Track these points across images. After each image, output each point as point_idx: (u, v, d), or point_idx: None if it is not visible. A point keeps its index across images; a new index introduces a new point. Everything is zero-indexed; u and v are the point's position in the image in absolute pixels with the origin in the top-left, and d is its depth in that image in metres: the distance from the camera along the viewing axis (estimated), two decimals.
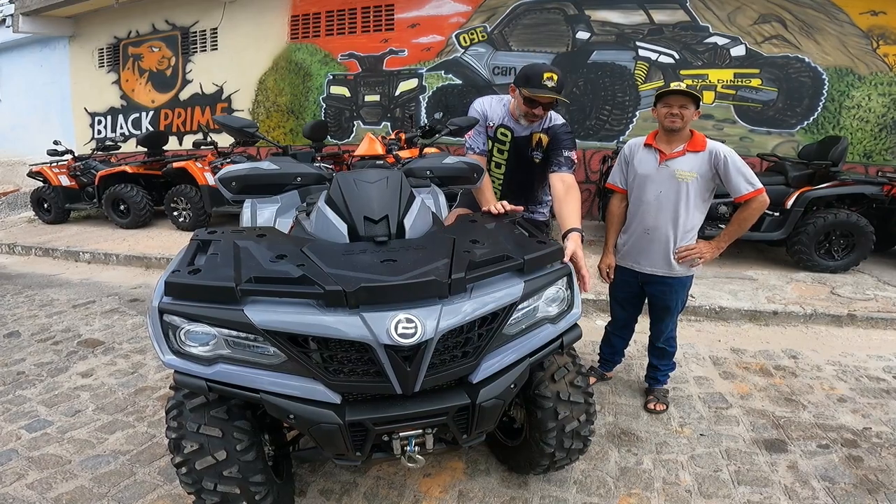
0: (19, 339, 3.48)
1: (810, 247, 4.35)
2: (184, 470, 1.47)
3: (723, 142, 2.36)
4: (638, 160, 2.34)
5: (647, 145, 2.33)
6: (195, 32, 7.62)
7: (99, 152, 7.50)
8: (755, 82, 5.66)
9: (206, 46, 7.59)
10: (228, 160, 6.44)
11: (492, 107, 2.42)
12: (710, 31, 5.69)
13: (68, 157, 7.32)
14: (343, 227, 1.64)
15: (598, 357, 2.82)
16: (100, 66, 8.47)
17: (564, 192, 2.18)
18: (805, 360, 3.04)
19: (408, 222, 1.68)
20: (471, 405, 1.42)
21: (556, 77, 2.10)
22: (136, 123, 8.43)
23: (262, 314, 1.30)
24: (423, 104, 6.71)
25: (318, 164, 2.04)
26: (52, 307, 4.13)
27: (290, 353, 1.32)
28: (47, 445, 2.29)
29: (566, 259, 1.76)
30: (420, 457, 1.48)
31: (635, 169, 2.34)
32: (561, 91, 2.14)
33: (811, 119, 5.60)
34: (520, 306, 1.48)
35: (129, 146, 7.79)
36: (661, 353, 2.55)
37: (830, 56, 5.47)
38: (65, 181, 7.24)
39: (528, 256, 1.50)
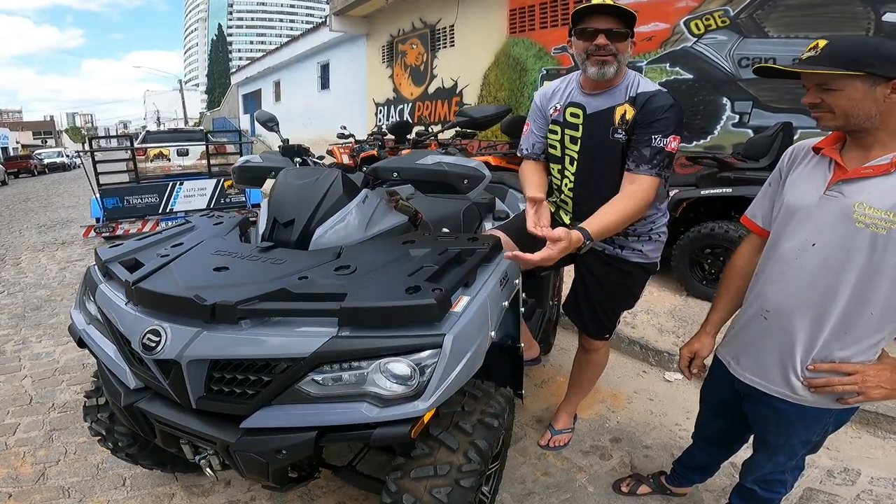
0: None
1: None
2: (83, 399, 1.80)
3: None
4: (794, 178, 1.30)
5: (816, 150, 1.27)
6: (439, 30, 8.31)
7: (371, 137, 9.17)
8: None
9: (446, 43, 8.22)
10: (443, 152, 6.98)
11: (555, 89, 1.87)
12: None
13: (351, 140, 9.21)
14: (262, 228, 1.61)
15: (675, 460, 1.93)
16: (382, 62, 10.16)
17: (620, 194, 1.64)
18: None
19: (320, 231, 1.51)
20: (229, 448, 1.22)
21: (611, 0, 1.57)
22: (401, 114, 9.86)
23: (100, 295, 1.43)
24: None
25: (307, 158, 2.03)
26: None
27: (111, 332, 1.38)
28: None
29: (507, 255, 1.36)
30: (210, 471, 1.40)
31: (784, 193, 1.32)
32: (628, 19, 1.58)
33: None
34: (324, 367, 1.15)
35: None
36: (749, 496, 1.56)
37: None
38: (346, 160, 9.16)
39: (348, 305, 1.12)
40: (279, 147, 2.12)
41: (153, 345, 1.18)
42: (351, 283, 1.23)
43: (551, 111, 1.85)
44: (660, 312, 3.64)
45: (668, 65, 5.43)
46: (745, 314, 1.42)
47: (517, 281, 1.60)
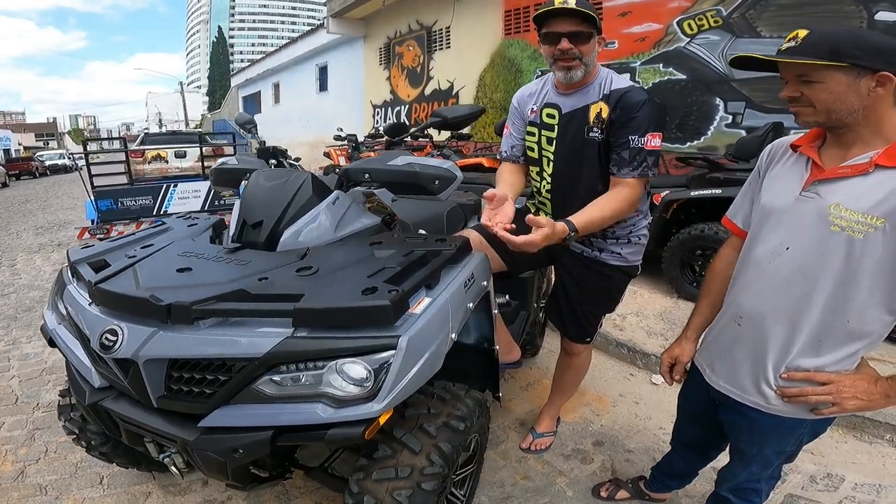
0: None
1: None
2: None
3: None
4: (771, 177, 1.25)
5: (794, 147, 1.21)
6: (435, 31, 8.31)
7: (369, 140, 9.18)
8: None
9: (442, 45, 8.22)
10: (438, 153, 6.98)
11: (532, 90, 1.86)
12: None
13: (346, 142, 9.21)
14: (233, 229, 1.61)
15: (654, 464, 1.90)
16: (379, 64, 10.17)
17: (606, 194, 1.62)
18: None
19: (288, 232, 1.51)
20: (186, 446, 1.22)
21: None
22: (398, 116, 9.87)
23: (67, 295, 1.44)
24: None
25: (282, 160, 2.02)
26: None
27: (77, 332, 1.39)
28: None
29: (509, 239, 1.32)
30: (175, 469, 1.38)
31: (760, 194, 1.27)
32: (591, 19, 1.54)
33: None
34: (281, 368, 1.14)
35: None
36: None
37: None
38: (342, 161, 9.17)
39: (302, 306, 1.12)
40: (255, 149, 2.12)
41: (110, 344, 1.19)
42: (310, 284, 1.23)
43: (528, 113, 1.85)
44: (649, 315, 3.62)
45: (661, 65, 5.41)
46: (720, 320, 1.39)
47: (485, 283, 1.59)
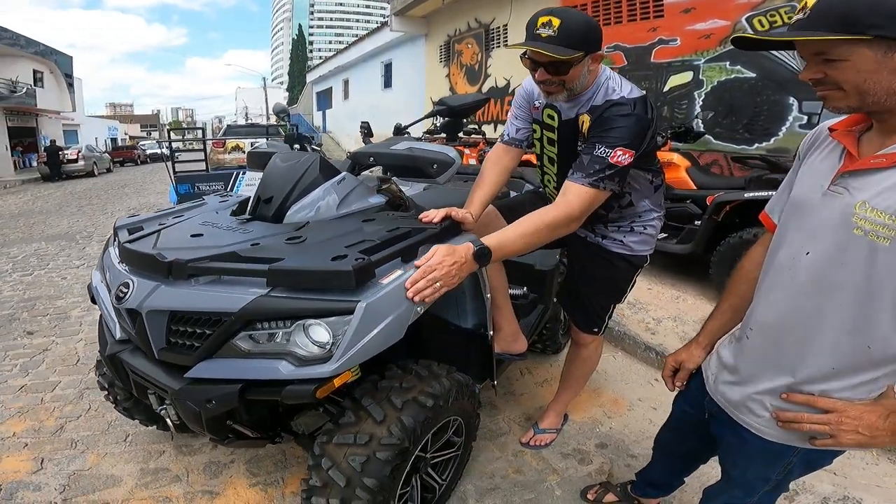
0: None
1: None
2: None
3: None
4: (806, 167, 1.06)
5: (832, 132, 1.02)
6: (493, 29, 8.28)
7: (426, 134, 9.38)
8: None
9: (500, 42, 8.17)
10: (490, 149, 7.01)
11: None
12: None
13: (406, 136, 9.47)
14: (250, 204, 1.76)
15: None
16: (440, 62, 10.29)
17: (541, 209, 1.47)
18: None
19: (293, 208, 1.64)
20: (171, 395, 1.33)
21: (556, 22, 1.37)
22: None
23: (107, 256, 1.64)
24: (699, 101, 5.42)
25: (305, 145, 2.19)
26: None
27: (107, 288, 1.56)
28: None
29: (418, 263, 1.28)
30: (170, 422, 1.46)
31: (794, 186, 1.09)
32: (571, 43, 1.39)
33: None
34: (256, 325, 1.23)
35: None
36: None
37: None
38: None
39: (274, 267, 1.21)
40: (285, 136, 2.29)
41: (122, 295, 1.35)
42: (293, 250, 1.34)
43: (532, 108, 1.82)
44: (688, 321, 3.45)
45: (728, 63, 5.11)
46: (739, 328, 1.25)
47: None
